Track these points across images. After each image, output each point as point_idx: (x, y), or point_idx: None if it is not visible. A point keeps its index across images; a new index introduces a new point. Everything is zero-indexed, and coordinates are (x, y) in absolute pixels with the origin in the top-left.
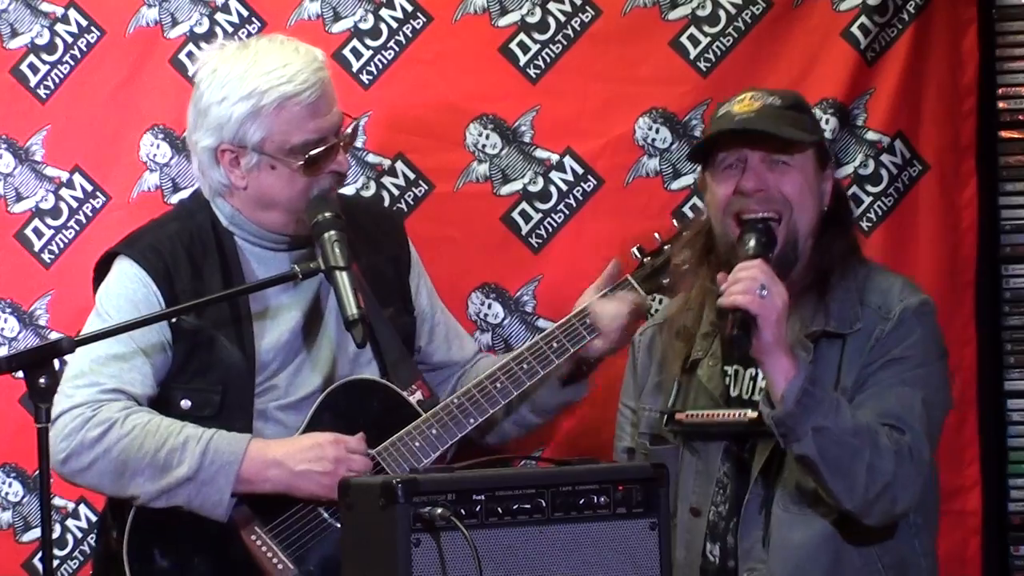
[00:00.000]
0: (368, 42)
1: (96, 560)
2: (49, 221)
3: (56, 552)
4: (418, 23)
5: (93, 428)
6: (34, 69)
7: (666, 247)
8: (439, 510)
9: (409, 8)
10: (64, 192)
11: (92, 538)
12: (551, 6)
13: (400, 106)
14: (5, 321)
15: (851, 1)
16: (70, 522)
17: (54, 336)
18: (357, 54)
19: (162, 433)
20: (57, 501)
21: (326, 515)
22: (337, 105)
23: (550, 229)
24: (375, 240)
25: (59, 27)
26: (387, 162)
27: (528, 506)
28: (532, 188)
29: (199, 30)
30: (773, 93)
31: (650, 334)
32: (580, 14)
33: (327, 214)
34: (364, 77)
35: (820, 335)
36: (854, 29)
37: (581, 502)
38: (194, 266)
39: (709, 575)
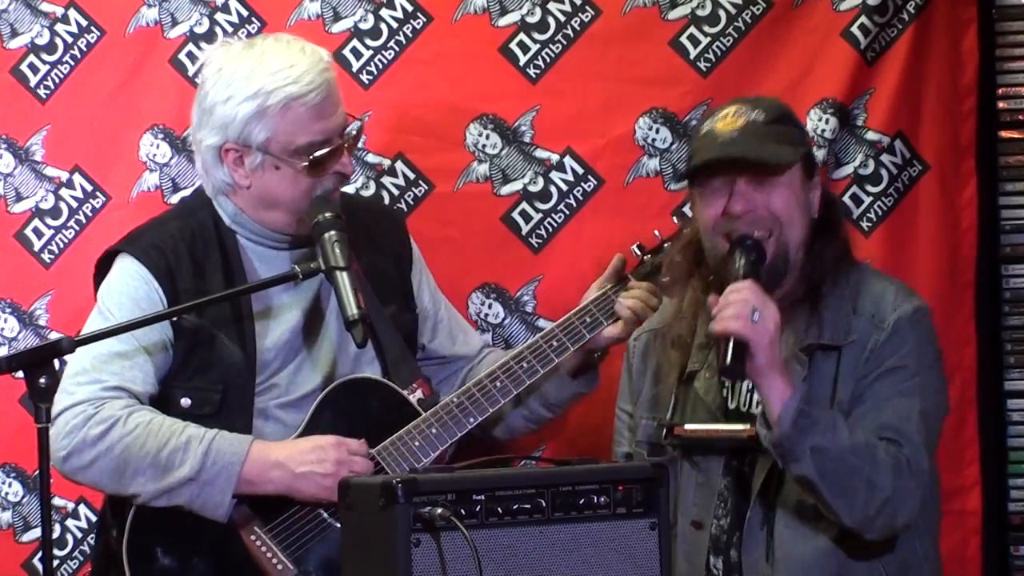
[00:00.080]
0: (368, 42)
1: (95, 560)
2: (49, 221)
3: (56, 552)
4: (418, 23)
5: (95, 426)
6: (34, 69)
7: (666, 245)
8: (439, 510)
9: (409, 8)
10: (64, 192)
11: (92, 538)
12: (551, 6)
13: (400, 106)
14: (5, 321)
15: (851, 1)
16: (70, 522)
17: (54, 336)
18: (357, 54)
19: (164, 433)
20: (57, 501)
21: (326, 515)
22: (342, 106)
23: (550, 229)
24: (376, 238)
25: (59, 27)
26: (387, 162)
27: (528, 506)
28: (532, 188)
29: (199, 30)
30: (757, 105)
31: (644, 340)
32: (580, 14)
33: (327, 214)
34: (364, 77)
35: (815, 348)
36: (854, 29)
37: (581, 502)
38: (196, 264)
39: None
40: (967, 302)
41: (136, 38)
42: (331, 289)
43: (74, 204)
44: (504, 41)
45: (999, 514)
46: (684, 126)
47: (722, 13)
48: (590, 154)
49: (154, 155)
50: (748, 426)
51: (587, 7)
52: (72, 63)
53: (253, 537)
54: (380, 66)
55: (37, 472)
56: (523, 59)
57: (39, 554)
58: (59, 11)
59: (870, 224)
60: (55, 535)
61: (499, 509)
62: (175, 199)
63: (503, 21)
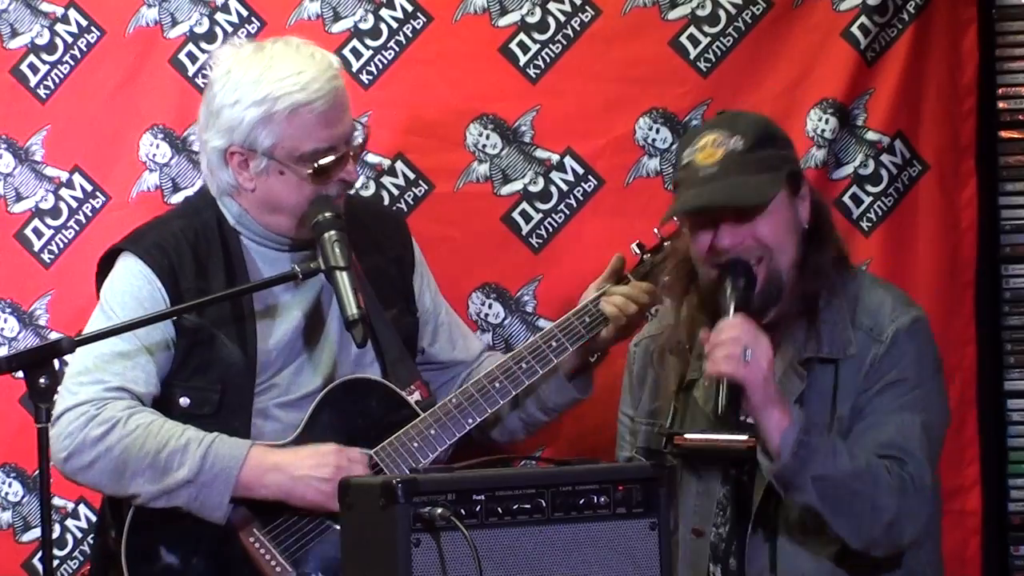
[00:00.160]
0: (368, 42)
1: (94, 560)
2: (49, 221)
3: (56, 552)
4: (418, 23)
5: (96, 427)
6: (34, 69)
7: (666, 244)
8: (439, 510)
9: (409, 8)
10: (64, 192)
11: (91, 538)
12: (551, 6)
13: (400, 106)
14: (5, 321)
15: (851, 1)
16: (70, 522)
17: (54, 336)
18: (357, 54)
19: (164, 435)
20: (57, 501)
21: (324, 517)
22: (349, 113)
23: (550, 229)
24: (378, 240)
25: (59, 27)
26: (387, 162)
27: (528, 506)
28: (532, 188)
29: (199, 30)
30: (735, 129)
31: (645, 345)
32: (580, 14)
33: (327, 214)
34: (364, 77)
35: (814, 361)
36: (854, 29)
37: (581, 502)
38: (199, 264)
39: None
40: (967, 302)
41: (136, 38)
42: (332, 290)
43: (74, 204)
44: (504, 41)
45: (999, 514)
46: (684, 126)
47: (722, 13)
48: (590, 154)
49: (154, 155)
50: (747, 436)
51: (587, 7)
52: (72, 63)
53: (252, 539)
54: (380, 66)
55: (37, 472)
56: (523, 59)
57: (39, 554)
58: (59, 11)
59: (870, 224)
60: (55, 535)
61: (499, 509)
62: (175, 199)
63: (503, 21)
